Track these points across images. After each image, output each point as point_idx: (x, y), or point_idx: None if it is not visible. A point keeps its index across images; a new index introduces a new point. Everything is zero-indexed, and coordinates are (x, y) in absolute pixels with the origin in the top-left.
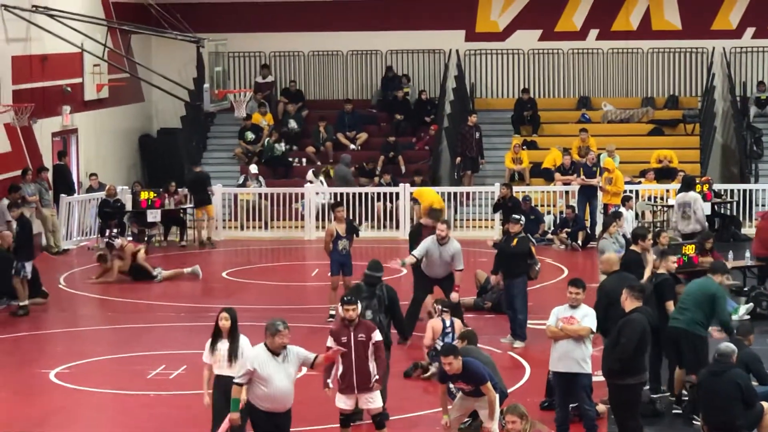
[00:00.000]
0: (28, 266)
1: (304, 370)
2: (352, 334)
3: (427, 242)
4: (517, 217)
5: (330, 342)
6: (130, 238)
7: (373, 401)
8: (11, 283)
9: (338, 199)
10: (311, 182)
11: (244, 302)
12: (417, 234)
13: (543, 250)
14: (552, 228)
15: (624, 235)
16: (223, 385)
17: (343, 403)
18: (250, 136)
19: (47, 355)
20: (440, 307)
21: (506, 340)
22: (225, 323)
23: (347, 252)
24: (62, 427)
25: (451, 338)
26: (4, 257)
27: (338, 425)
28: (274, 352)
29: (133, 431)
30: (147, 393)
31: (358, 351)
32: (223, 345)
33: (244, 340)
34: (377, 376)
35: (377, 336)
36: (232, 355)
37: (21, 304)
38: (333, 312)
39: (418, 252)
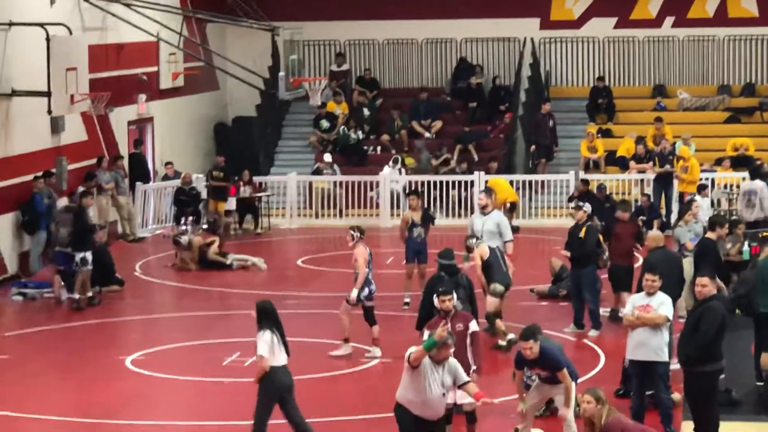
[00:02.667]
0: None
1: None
2: (449, 325)
3: (471, 219)
4: (581, 204)
5: (426, 335)
6: (205, 227)
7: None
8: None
9: (413, 188)
10: (390, 167)
11: (318, 290)
12: (609, 227)
13: None
14: None
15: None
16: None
17: None
18: (325, 124)
19: (123, 342)
20: (358, 234)
21: (569, 329)
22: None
23: (423, 240)
24: (138, 413)
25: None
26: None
27: None
28: (437, 361)
29: (208, 418)
30: (222, 380)
31: (455, 342)
32: None
33: (261, 336)
34: (475, 367)
35: (474, 326)
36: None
37: (77, 296)
38: (408, 300)
39: (469, 234)
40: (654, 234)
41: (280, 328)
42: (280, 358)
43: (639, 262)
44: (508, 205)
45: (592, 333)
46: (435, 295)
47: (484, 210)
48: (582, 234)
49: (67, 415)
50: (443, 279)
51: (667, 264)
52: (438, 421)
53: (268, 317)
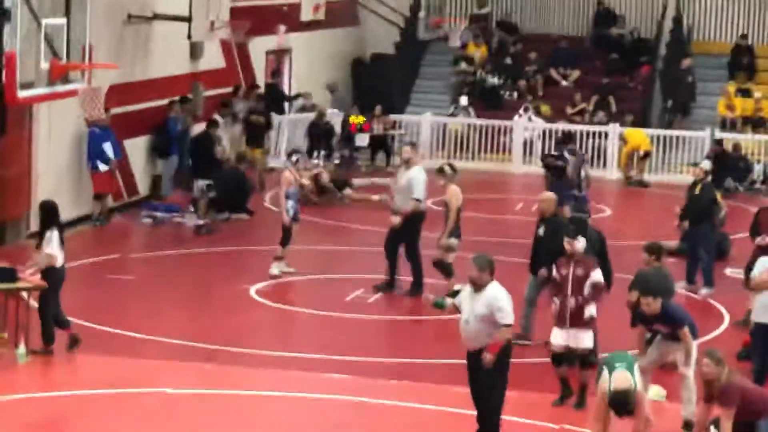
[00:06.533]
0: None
1: None
2: (571, 268)
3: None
4: (698, 161)
5: (553, 272)
6: (337, 162)
7: (582, 340)
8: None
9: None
10: (521, 115)
11: None
12: (756, 224)
13: (751, 199)
14: (761, 177)
15: None
16: None
17: (555, 337)
18: (463, 66)
19: (248, 271)
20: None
21: (680, 285)
22: None
23: None
24: (258, 343)
25: None
26: (236, 174)
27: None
28: (476, 288)
29: (327, 352)
30: (344, 315)
31: (573, 286)
32: None
33: (51, 235)
34: (593, 315)
35: (596, 276)
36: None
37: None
38: None
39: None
40: (547, 197)
41: (62, 228)
42: (61, 257)
43: None
44: (641, 153)
45: (704, 291)
46: (564, 236)
47: (407, 164)
48: (698, 191)
49: (186, 339)
50: (567, 226)
51: None
52: (477, 353)
53: (55, 216)
